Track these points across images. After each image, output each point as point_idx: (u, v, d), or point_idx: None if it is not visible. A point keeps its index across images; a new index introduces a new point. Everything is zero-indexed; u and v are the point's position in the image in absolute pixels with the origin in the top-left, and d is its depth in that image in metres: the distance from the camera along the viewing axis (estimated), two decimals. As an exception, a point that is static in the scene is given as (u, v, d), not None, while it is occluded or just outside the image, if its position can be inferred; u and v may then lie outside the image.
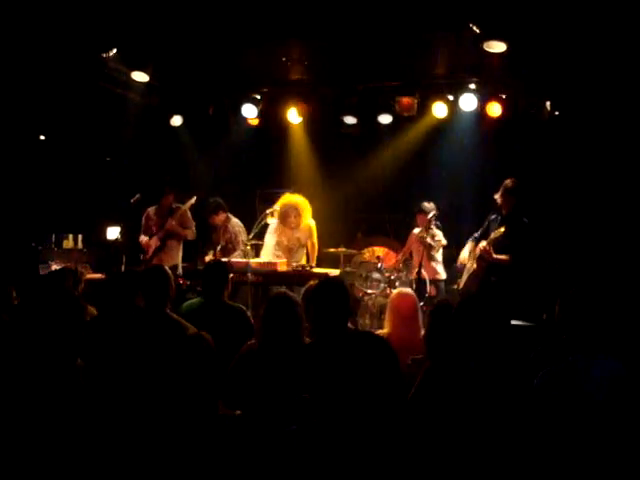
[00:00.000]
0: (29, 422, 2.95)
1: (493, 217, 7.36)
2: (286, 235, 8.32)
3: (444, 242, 8.66)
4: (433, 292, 8.50)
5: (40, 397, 3.01)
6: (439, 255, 8.75)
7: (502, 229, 6.94)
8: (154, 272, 5.05)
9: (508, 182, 7.17)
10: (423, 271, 8.22)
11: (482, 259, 7.18)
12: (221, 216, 8.67)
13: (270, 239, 8.40)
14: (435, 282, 8.63)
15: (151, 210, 8.49)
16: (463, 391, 3.14)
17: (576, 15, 6.78)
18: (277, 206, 8.26)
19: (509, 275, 6.96)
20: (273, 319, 4.03)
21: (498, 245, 7.05)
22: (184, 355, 2.94)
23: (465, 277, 7.49)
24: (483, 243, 7.14)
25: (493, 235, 7.05)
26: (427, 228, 8.46)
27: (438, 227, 8.62)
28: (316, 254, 8.40)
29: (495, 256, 7.02)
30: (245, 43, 7.93)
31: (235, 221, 8.73)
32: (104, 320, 5.34)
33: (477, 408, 3.09)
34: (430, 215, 8.33)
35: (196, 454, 2.83)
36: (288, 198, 8.30)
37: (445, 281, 8.77)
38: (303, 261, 8.32)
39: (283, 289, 5.14)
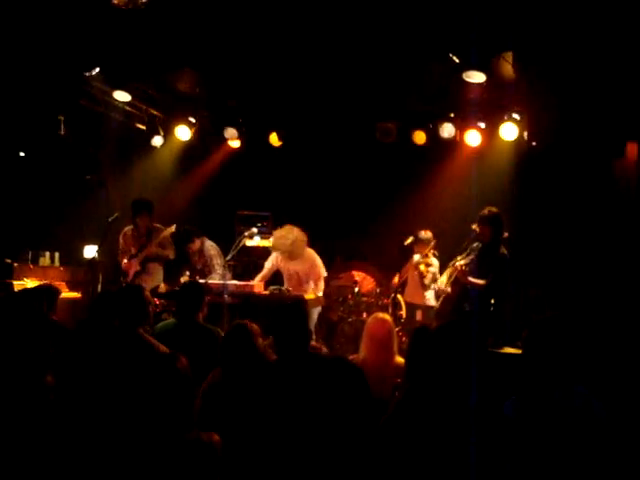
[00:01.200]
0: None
1: (475, 245, 7.36)
2: (286, 266, 8.35)
3: (437, 275, 8.59)
4: (419, 317, 8.46)
5: (5, 413, 2.99)
6: (433, 283, 8.68)
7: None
8: (129, 292, 5.04)
9: (485, 211, 7.19)
10: (399, 296, 8.25)
11: (456, 283, 7.20)
12: (196, 243, 8.56)
13: (269, 264, 8.43)
14: (422, 307, 8.60)
15: (128, 230, 8.38)
16: (440, 415, 3.15)
17: (557, 43, 6.89)
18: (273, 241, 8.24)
19: (482, 304, 6.97)
20: (231, 349, 4.09)
21: (473, 268, 7.08)
22: (154, 375, 2.92)
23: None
24: (460, 262, 7.15)
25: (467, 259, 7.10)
26: (424, 256, 8.47)
27: (436, 256, 8.58)
28: (321, 283, 8.33)
29: (470, 279, 7.05)
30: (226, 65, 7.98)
31: (209, 244, 8.62)
32: (78, 338, 5.34)
33: (451, 432, 3.10)
34: (430, 244, 8.36)
35: (165, 475, 2.81)
36: (279, 234, 8.24)
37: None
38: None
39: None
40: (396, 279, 8.93)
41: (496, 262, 7.03)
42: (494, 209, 7.20)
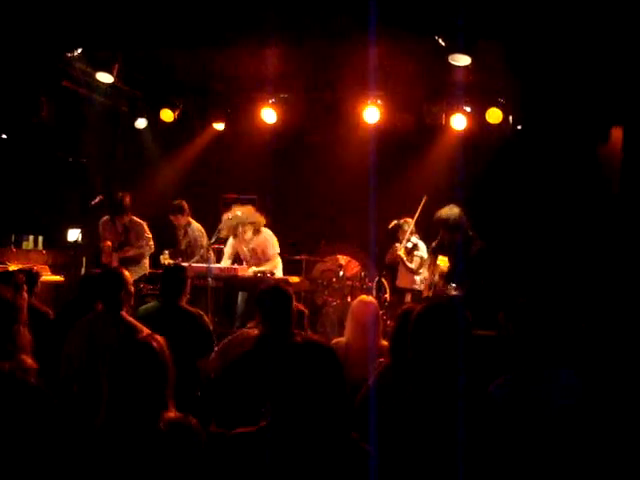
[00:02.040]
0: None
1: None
2: (241, 246, 8.33)
3: (424, 256, 8.58)
4: (408, 300, 8.49)
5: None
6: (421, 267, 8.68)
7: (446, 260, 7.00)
8: (110, 275, 5.01)
9: (442, 216, 7.06)
10: (383, 279, 8.27)
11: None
12: (181, 219, 8.61)
13: (228, 248, 8.43)
14: (412, 291, 8.63)
15: (105, 221, 8.44)
16: (420, 394, 3.14)
17: (542, 28, 6.88)
18: (222, 223, 8.22)
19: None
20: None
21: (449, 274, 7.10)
22: (134, 357, 2.90)
23: (424, 287, 7.54)
24: (436, 278, 7.17)
25: (442, 268, 7.10)
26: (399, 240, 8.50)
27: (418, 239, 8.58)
28: (276, 262, 8.33)
29: (451, 293, 7.00)
30: (215, 44, 7.90)
31: (196, 226, 8.69)
32: (60, 322, 5.31)
33: (433, 411, 3.10)
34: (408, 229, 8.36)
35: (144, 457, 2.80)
36: (232, 213, 8.25)
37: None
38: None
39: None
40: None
41: (473, 264, 6.94)
42: (450, 213, 7.06)
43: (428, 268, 7.53)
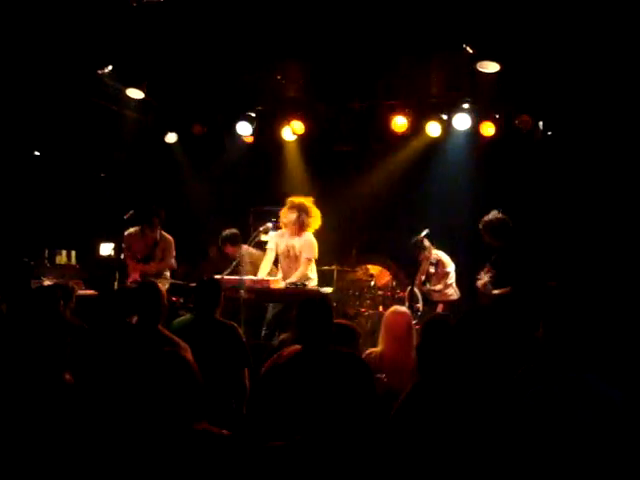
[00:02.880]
0: (14, 436, 2.94)
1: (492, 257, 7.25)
2: (283, 242, 8.22)
3: (448, 269, 8.59)
4: (440, 311, 8.46)
5: (24, 412, 3.00)
6: (450, 278, 8.67)
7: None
8: (146, 289, 5.05)
9: (485, 218, 7.11)
10: (415, 289, 8.23)
11: (484, 296, 7.16)
12: (232, 249, 8.61)
13: (270, 244, 8.31)
14: (444, 302, 8.57)
15: (134, 231, 8.38)
16: (451, 407, 3.13)
17: (570, 35, 6.84)
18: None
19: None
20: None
21: (495, 278, 7.05)
22: (164, 369, 2.94)
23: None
24: (483, 279, 7.12)
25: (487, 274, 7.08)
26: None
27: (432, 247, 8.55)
28: (309, 267, 8.14)
29: (495, 292, 7.00)
30: (241, 62, 7.97)
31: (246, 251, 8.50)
32: (95, 336, 5.35)
33: (463, 424, 3.08)
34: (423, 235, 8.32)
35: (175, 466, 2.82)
36: (293, 198, 8.19)
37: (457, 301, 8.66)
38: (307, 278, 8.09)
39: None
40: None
41: (515, 271, 6.92)
42: (493, 217, 7.09)
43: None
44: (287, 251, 8.18)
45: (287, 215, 8.11)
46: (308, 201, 8.13)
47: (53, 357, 3.23)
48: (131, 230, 8.40)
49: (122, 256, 8.37)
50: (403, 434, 3.15)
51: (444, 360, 3.40)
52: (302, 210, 8.05)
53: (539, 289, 6.79)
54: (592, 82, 7.75)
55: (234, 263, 8.13)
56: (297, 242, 8.13)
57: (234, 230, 8.77)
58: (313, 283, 8.11)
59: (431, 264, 8.56)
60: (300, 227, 8.08)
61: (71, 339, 4.03)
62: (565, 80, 7.90)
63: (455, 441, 3.00)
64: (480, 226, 7.15)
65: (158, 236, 8.32)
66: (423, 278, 8.62)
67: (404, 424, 3.18)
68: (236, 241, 8.65)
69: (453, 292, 8.58)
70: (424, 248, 8.46)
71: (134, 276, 8.14)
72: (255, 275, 8.13)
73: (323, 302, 4.02)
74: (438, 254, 8.58)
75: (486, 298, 7.13)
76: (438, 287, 8.56)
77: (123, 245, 8.45)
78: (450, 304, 8.48)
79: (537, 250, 7.55)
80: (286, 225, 8.16)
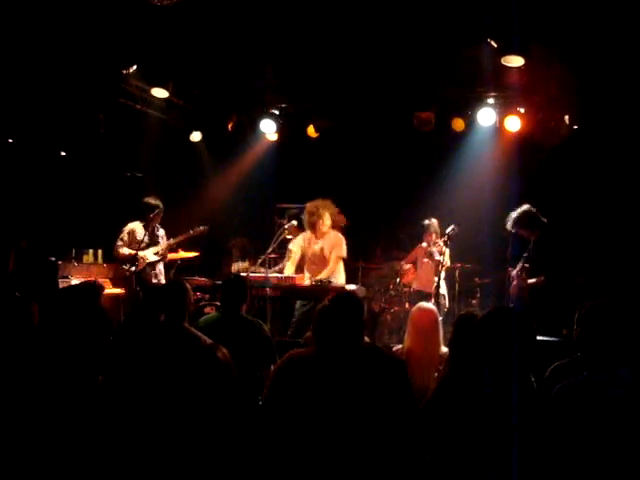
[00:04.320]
0: (47, 439, 2.96)
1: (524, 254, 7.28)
2: (310, 245, 8.27)
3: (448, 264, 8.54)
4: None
5: (60, 415, 3.03)
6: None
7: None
8: (174, 287, 5.08)
9: (519, 216, 7.13)
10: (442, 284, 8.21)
11: (518, 287, 7.14)
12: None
13: (295, 247, 8.37)
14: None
15: (137, 228, 8.50)
16: (479, 401, 3.11)
17: (594, 28, 6.77)
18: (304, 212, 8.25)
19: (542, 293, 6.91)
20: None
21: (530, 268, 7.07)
22: (199, 367, 2.94)
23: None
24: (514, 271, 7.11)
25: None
26: (434, 244, 8.48)
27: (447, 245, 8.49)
28: (337, 267, 8.15)
29: (529, 281, 6.99)
30: (264, 59, 7.99)
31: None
32: (123, 334, 5.39)
33: (492, 419, 3.07)
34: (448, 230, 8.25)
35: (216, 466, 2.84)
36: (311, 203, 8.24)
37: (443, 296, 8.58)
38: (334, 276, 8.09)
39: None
40: (405, 266, 8.91)
41: (551, 251, 6.99)
42: (527, 209, 7.14)
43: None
44: (314, 255, 8.24)
45: (307, 220, 8.19)
46: (325, 203, 8.15)
47: (91, 355, 3.24)
48: (133, 227, 8.56)
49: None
50: (435, 426, 3.15)
51: (475, 354, 3.38)
52: (320, 213, 8.09)
53: (570, 283, 6.79)
54: (619, 75, 7.66)
55: (259, 261, 8.18)
56: (324, 243, 8.17)
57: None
58: (340, 281, 8.11)
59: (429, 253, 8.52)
60: (322, 229, 8.12)
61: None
62: (592, 73, 7.82)
63: (488, 435, 2.99)
64: (513, 222, 7.15)
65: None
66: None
67: (435, 417, 3.17)
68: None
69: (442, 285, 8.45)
70: (430, 233, 8.51)
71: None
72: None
73: (354, 299, 4.00)
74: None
75: (517, 288, 7.11)
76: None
77: (126, 241, 8.51)
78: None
79: (567, 243, 7.52)
80: (310, 229, 8.22)
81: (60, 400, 3.02)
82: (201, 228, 8.50)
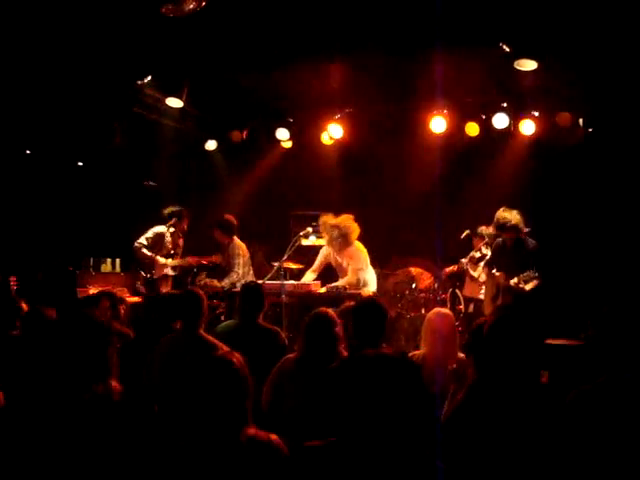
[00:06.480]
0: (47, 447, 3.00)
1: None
2: (335, 257, 8.38)
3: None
4: (471, 310, 8.47)
5: (70, 419, 3.06)
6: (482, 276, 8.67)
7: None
8: (190, 295, 5.11)
9: (497, 221, 7.37)
10: (457, 290, 8.20)
11: (510, 292, 7.13)
12: (221, 236, 8.70)
13: (320, 257, 8.51)
14: (475, 301, 8.59)
15: (164, 232, 8.64)
16: (509, 407, 3.11)
17: (608, 31, 6.74)
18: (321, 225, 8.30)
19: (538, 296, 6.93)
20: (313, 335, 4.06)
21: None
22: (214, 374, 2.96)
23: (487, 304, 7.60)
24: (514, 280, 7.09)
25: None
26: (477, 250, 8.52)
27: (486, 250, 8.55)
28: (356, 277, 8.17)
29: (527, 287, 6.97)
30: (278, 66, 8.01)
31: (237, 243, 8.68)
32: (141, 342, 5.43)
33: (524, 424, 3.07)
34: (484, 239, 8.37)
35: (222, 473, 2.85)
36: (327, 219, 8.28)
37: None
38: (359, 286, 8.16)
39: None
40: (447, 269, 8.92)
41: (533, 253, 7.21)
42: (501, 215, 7.33)
43: (487, 280, 7.52)
44: (338, 266, 8.40)
45: (325, 236, 8.27)
46: (341, 219, 8.18)
47: (98, 364, 3.27)
48: (163, 232, 8.70)
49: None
50: (463, 433, 3.13)
51: (504, 358, 3.37)
52: (335, 230, 8.12)
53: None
54: (634, 77, 7.62)
55: (275, 268, 8.20)
56: (343, 257, 8.27)
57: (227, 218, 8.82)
58: (371, 288, 8.17)
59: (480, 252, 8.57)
60: (341, 245, 8.18)
61: (119, 346, 4.11)
62: (606, 76, 7.79)
63: (516, 441, 2.98)
64: (498, 226, 7.38)
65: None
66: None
67: (464, 423, 3.16)
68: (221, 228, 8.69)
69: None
70: (482, 237, 8.56)
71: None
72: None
73: (378, 304, 4.03)
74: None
75: (509, 297, 7.15)
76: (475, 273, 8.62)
77: (155, 246, 8.66)
78: (480, 303, 8.41)
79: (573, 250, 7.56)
80: (329, 244, 8.29)
81: (68, 403, 3.07)
82: (213, 258, 8.61)
